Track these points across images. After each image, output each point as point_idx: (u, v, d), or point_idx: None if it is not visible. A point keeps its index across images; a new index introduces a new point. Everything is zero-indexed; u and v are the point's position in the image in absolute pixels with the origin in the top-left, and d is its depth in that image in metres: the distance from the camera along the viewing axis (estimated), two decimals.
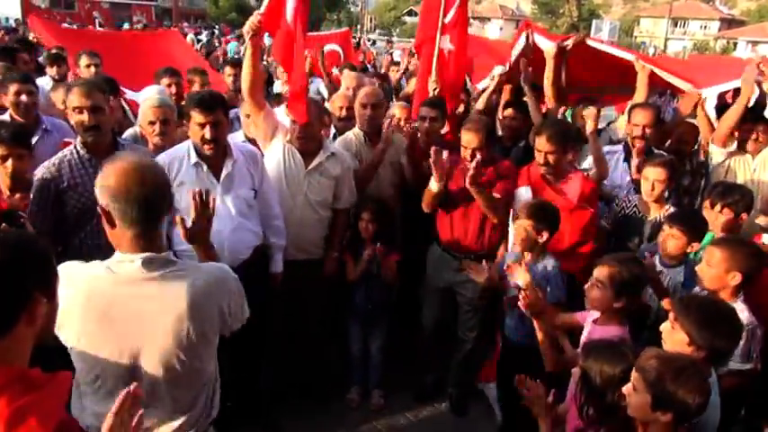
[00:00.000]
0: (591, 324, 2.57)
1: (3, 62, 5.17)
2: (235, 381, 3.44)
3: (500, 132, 4.55)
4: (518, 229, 3.00)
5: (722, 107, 4.63)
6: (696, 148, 4.45)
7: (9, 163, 2.70)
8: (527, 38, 4.58)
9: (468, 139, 3.40)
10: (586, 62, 4.69)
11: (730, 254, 2.54)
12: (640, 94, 4.30)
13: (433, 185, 3.37)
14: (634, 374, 1.86)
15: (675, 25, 60.12)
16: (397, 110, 4.40)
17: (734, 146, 4.07)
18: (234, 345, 3.35)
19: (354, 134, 3.96)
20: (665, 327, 2.16)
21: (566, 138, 3.39)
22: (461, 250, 3.54)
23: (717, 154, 4.09)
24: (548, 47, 4.37)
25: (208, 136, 2.90)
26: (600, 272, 2.47)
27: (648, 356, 1.86)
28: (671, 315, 2.13)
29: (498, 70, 4.58)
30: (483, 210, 3.39)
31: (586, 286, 2.55)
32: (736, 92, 4.28)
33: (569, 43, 4.37)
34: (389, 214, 3.72)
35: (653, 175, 3.33)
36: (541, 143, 3.34)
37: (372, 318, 3.77)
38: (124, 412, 1.36)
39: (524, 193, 3.41)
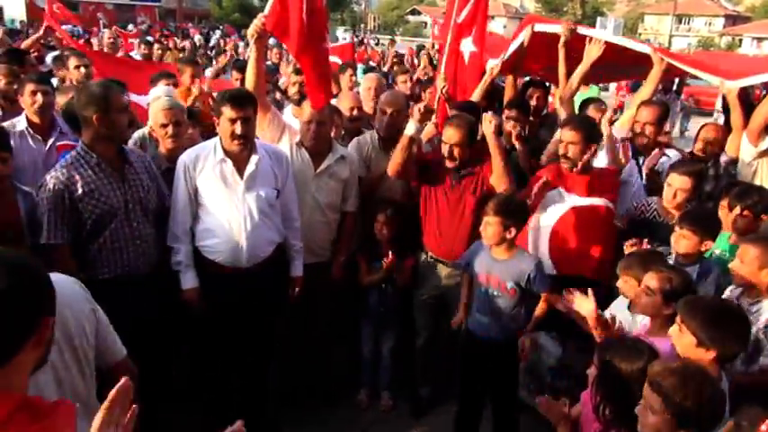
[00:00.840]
0: (643, 336, 2.44)
1: (11, 65, 5.21)
2: (241, 383, 3.48)
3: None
4: (485, 225, 2.99)
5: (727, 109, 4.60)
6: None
7: None
8: (522, 42, 4.56)
9: (449, 134, 3.35)
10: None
11: (764, 251, 2.52)
12: (648, 89, 4.25)
13: (410, 128, 3.31)
14: (648, 392, 1.80)
15: (680, 22, 59.85)
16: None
17: (765, 144, 3.90)
18: (242, 346, 3.42)
19: (370, 137, 3.89)
20: (673, 330, 2.14)
21: (590, 131, 3.37)
22: (451, 257, 3.46)
23: (746, 153, 3.94)
24: (560, 31, 4.37)
25: (238, 131, 2.92)
26: (649, 278, 2.42)
27: (665, 374, 1.78)
28: (678, 317, 2.12)
29: (492, 64, 4.52)
30: (498, 171, 3.30)
31: (631, 293, 2.53)
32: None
33: (564, 37, 4.34)
34: (404, 217, 3.65)
35: (678, 184, 3.26)
36: (565, 133, 3.34)
37: (385, 320, 3.73)
38: (116, 407, 1.23)
39: (561, 196, 3.38)
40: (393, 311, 3.71)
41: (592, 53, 4.18)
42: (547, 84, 5.28)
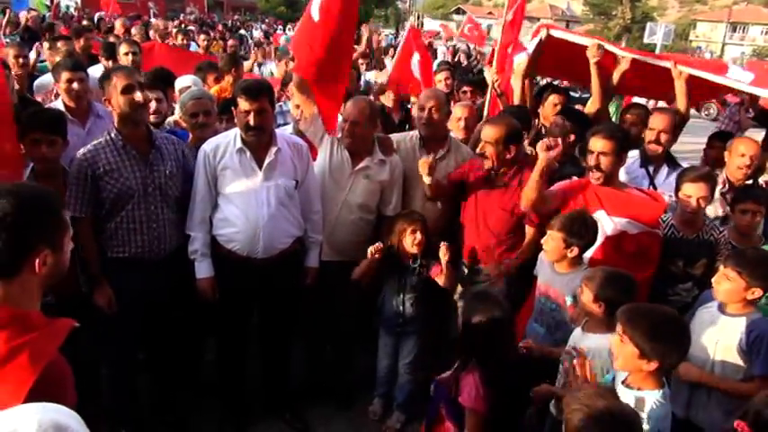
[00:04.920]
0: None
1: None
2: (264, 374, 3.52)
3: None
4: (547, 239, 2.90)
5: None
6: None
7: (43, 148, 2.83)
8: (540, 41, 4.40)
9: (486, 131, 3.26)
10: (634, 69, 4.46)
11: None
12: (680, 103, 4.02)
13: (425, 179, 3.27)
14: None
15: (734, 30, 57.88)
16: (459, 110, 4.23)
17: None
18: (264, 338, 3.43)
19: (410, 136, 3.75)
20: (614, 340, 2.11)
21: (623, 139, 3.14)
22: (477, 260, 3.41)
23: None
24: (590, 45, 4.13)
25: (252, 123, 2.95)
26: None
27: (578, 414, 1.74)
28: (618, 327, 2.09)
29: (520, 58, 4.43)
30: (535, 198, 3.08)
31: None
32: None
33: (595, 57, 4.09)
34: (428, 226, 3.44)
35: (696, 192, 3.08)
36: (596, 142, 3.07)
37: (405, 333, 3.52)
38: None
39: (605, 220, 2.99)
40: (412, 323, 3.48)
41: (621, 67, 4.08)
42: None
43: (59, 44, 5.65)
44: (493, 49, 4.54)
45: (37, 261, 1.36)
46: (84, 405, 1.41)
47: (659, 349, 1.99)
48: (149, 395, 3.35)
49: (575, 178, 3.35)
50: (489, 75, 4.74)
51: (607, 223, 2.98)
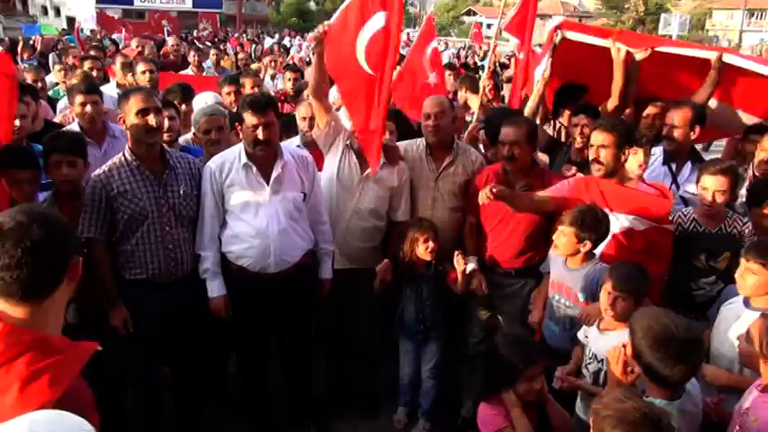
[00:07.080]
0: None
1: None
2: (287, 384, 3.52)
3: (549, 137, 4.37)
4: (558, 234, 2.87)
5: None
6: None
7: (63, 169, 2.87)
8: (554, 45, 4.30)
9: (506, 131, 3.24)
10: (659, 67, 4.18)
11: None
12: (704, 92, 3.87)
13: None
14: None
15: (751, 16, 56.83)
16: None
17: None
18: (283, 351, 3.43)
19: (417, 144, 3.70)
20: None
21: (624, 133, 3.07)
22: (499, 265, 3.42)
23: None
24: (613, 49, 3.98)
25: (260, 137, 2.94)
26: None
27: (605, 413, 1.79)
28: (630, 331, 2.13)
29: (540, 70, 4.36)
30: (530, 212, 3.18)
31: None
32: None
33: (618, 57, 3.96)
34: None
35: (713, 185, 3.03)
36: (596, 136, 3.06)
37: (426, 338, 3.51)
38: None
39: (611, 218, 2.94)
40: (433, 329, 3.48)
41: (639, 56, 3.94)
42: None
43: (87, 63, 5.81)
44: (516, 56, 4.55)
45: (75, 269, 1.41)
46: (109, 421, 1.45)
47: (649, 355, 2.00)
48: (174, 408, 3.37)
49: (579, 175, 3.34)
50: (481, 81, 4.79)
51: (612, 221, 2.94)
